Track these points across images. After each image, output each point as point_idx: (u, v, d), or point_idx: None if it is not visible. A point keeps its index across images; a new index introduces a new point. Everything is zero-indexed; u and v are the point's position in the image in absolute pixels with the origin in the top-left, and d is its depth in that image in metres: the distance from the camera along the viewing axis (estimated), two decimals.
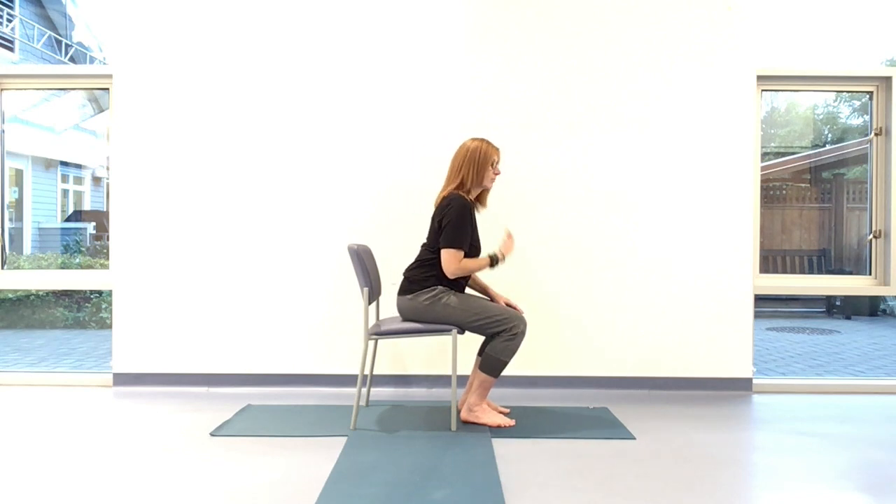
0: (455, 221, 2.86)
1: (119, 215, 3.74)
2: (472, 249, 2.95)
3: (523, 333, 2.90)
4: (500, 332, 2.88)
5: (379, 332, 2.94)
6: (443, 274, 2.93)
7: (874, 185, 3.89)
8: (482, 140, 2.99)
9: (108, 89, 3.86)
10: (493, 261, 2.95)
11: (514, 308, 3.04)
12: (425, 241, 3.04)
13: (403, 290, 2.99)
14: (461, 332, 2.92)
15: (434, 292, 2.92)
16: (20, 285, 4.17)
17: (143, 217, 3.73)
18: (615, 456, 2.59)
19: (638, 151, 3.70)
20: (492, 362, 2.90)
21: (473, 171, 2.94)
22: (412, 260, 3.07)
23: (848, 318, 8.61)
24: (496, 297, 3.10)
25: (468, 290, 3.14)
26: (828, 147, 12.47)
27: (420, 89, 3.71)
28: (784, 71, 3.80)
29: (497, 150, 3.00)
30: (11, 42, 11.72)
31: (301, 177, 3.72)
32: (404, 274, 3.03)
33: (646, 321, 3.70)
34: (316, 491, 2.22)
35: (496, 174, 3.01)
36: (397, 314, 3.53)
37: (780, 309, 9.09)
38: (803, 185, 10.24)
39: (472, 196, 2.99)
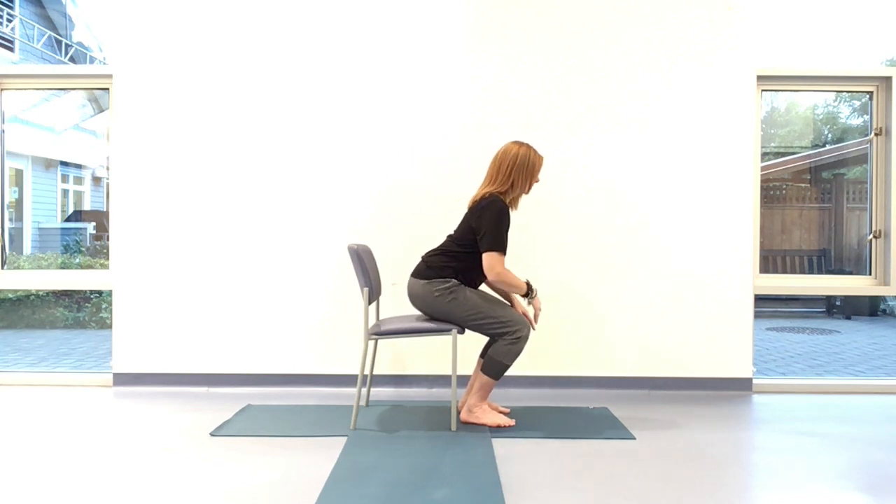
0: (496, 225, 2.84)
1: (119, 215, 3.74)
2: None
3: (526, 338, 2.89)
4: (503, 335, 2.88)
5: (379, 332, 2.94)
6: (462, 268, 2.92)
7: (874, 185, 3.89)
8: (529, 146, 2.97)
9: (108, 89, 3.86)
10: (529, 290, 2.94)
11: (527, 318, 3.01)
12: (453, 233, 3.02)
13: (419, 274, 2.97)
14: (461, 331, 2.92)
15: (448, 284, 2.90)
16: (20, 285, 4.17)
17: (143, 217, 3.73)
18: (615, 456, 2.59)
19: (638, 151, 3.70)
20: (494, 365, 2.90)
21: (523, 178, 2.94)
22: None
23: (848, 318, 8.61)
24: (515, 303, 3.09)
25: (487, 289, 3.12)
26: (828, 147, 12.48)
27: (420, 89, 3.71)
28: (784, 71, 3.80)
29: (542, 157, 3.00)
30: (11, 42, 11.72)
31: (301, 177, 3.72)
32: (423, 258, 3.01)
33: (646, 321, 3.70)
34: (316, 491, 2.22)
35: (536, 181, 3.02)
36: (397, 314, 3.53)
37: (780, 309, 9.09)
38: (803, 185, 10.24)
39: (509, 200, 2.98)
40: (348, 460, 2.51)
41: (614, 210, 3.70)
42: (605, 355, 3.70)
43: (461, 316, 2.90)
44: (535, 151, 2.97)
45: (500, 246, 2.86)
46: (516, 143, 2.99)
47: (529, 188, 3.00)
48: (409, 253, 3.64)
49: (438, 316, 2.94)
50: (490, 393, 3.03)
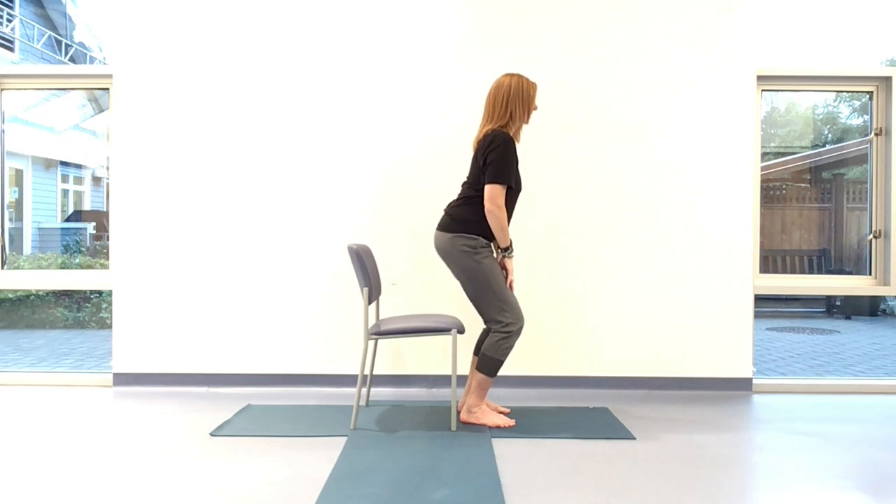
0: (502, 158, 2.83)
1: (119, 215, 3.74)
2: (515, 186, 2.93)
3: (518, 333, 2.90)
4: (497, 321, 2.88)
5: (379, 332, 2.94)
6: (484, 216, 2.90)
7: (874, 185, 3.89)
8: (520, 75, 2.96)
9: (108, 89, 3.86)
10: (509, 249, 2.96)
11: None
12: (466, 179, 3.00)
13: (443, 227, 2.96)
14: (461, 332, 2.92)
15: (475, 242, 2.89)
16: (20, 285, 4.17)
17: (143, 217, 3.73)
18: (615, 456, 2.59)
19: (637, 151, 3.70)
20: (488, 362, 2.90)
21: (521, 107, 2.93)
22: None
23: (848, 318, 8.61)
24: (508, 270, 3.03)
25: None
26: (828, 147, 12.47)
27: (420, 90, 3.71)
28: (784, 71, 3.80)
29: (535, 84, 2.99)
30: (11, 42, 11.72)
31: (301, 177, 3.72)
32: (446, 210, 3.00)
33: (646, 321, 3.70)
34: (316, 491, 2.22)
35: (534, 109, 3.01)
36: (397, 314, 3.53)
37: (780, 309, 9.09)
38: (803, 185, 10.25)
39: (512, 132, 2.97)
40: (348, 460, 2.51)
41: (614, 210, 3.70)
42: (606, 355, 3.70)
43: (474, 279, 2.89)
44: (527, 79, 2.96)
45: (504, 179, 2.85)
46: (507, 74, 2.98)
47: (528, 117, 2.98)
48: (409, 253, 3.64)
49: (455, 270, 2.94)
50: (488, 391, 3.02)
